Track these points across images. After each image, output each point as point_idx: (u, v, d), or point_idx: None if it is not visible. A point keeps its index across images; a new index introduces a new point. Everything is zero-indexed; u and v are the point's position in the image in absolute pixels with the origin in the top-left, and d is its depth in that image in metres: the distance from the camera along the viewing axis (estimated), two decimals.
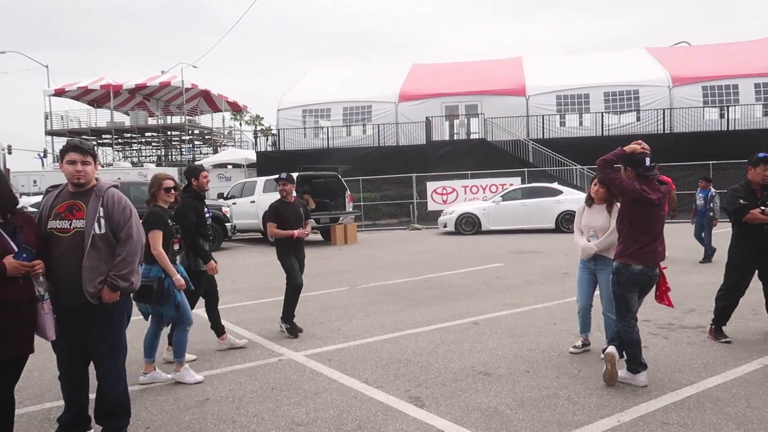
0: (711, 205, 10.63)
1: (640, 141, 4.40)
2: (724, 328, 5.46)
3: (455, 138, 26.58)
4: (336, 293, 8.61)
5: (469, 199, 20.95)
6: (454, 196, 21.55)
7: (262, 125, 51.89)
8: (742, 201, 5.37)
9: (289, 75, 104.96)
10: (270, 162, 25.50)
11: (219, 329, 5.75)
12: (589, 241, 5.00)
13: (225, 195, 18.74)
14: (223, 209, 16.07)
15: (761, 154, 5.36)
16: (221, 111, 41.74)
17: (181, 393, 4.48)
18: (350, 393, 4.36)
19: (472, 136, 26.05)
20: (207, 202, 5.87)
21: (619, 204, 4.72)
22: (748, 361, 4.73)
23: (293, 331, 6.10)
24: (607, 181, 4.48)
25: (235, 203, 17.64)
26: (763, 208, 5.26)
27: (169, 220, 4.77)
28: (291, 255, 6.27)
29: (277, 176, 6.34)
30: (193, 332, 5.11)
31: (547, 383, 4.42)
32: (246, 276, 10.53)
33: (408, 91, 27.71)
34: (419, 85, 28.18)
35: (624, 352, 4.41)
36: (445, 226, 18.20)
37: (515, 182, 20.72)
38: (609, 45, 76.18)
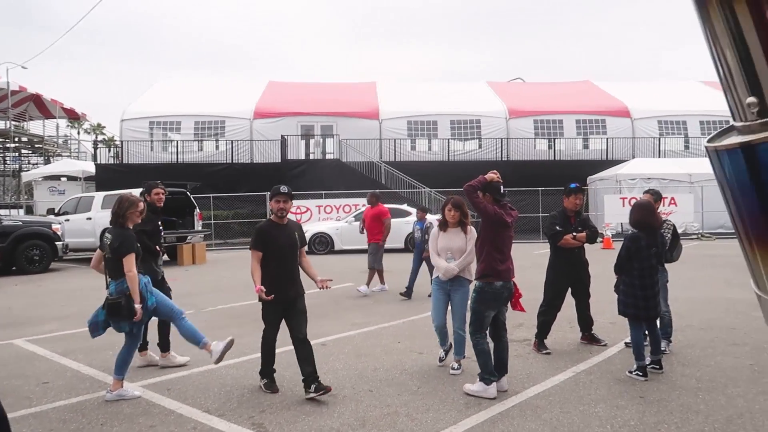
0: (426, 237, 9.14)
1: (495, 171, 4.87)
2: (545, 340, 6.07)
3: (311, 157, 26.73)
4: None
5: (323, 218, 21.11)
6: (308, 216, 21.58)
7: (104, 135, 48.01)
8: (558, 227, 6.06)
9: (135, 84, 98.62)
10: (111, 175, 23.69)
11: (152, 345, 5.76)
12: (448, 262, 5.31)
13: (57, 211, 16.97)
14: (53, 227, 14.58)
15: (573, 185, 6.11)
16: (55, 117, 37.90)
17: None
18: (189, 424, 4.17)
19: (328, 156, 26.41)
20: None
21: (472, 227, 5.25)
22: (563, 370, 5.30)
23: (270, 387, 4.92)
24: (472, 203, 4.84)
25: (68, 220, 16.07)
26: (574, 234, 5.99)
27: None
28: (278, 313, 4.80)
29: (272, 191, 4.82)
30: (9, 365, 4.58)
31: (388, 401, 4.58)
32: (78, 301, 9.63)
33: (263, 108, 27.40)
34: (275, 102, 27.99)
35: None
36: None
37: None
38: (455, 77, 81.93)
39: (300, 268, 4.96)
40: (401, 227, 17.58)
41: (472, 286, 5.03)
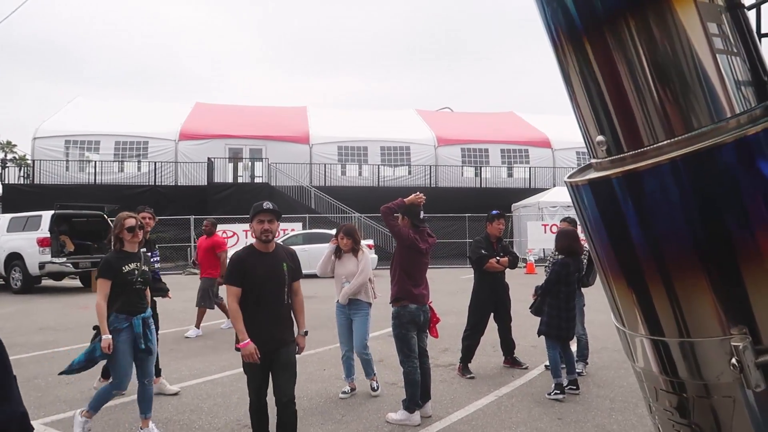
0: None
1: (418, 193, 4.88)
2: (470, 364, 6.13)
3: (239, 181, 26.20)
4: None
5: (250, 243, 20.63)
6: (235, 240, 21.05)
7: (15, 154, 45.22)
8: (483, 251, 6.19)
9: (50, 101, 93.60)
10: (21, 196, 22.27)
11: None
12: (343, 287, 5.36)
13: None
14: None
15: (495, 212, 6.29)
16: None
17: None
18: None
19: (256, 180, 25.97)
20: None
21: (363, 250, 5.40)
22: (486, 394, 5.37)
23: None
24: (388, 226, 4.85)
25: None
26: (497, 258, 6.14)
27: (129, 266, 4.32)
28: (264, 370, 3.73)
29: (253, 208, 3.78)
30: None
31: (311, 430, 4.46)
32: None
33: (190, 129, 26.70)
34: (202, 124, 27.35)
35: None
36: None
37: (297, 227, 21.07)
38: (385, 104, 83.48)
39: (290, 310, 3.90)
40: None
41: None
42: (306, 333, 3.96)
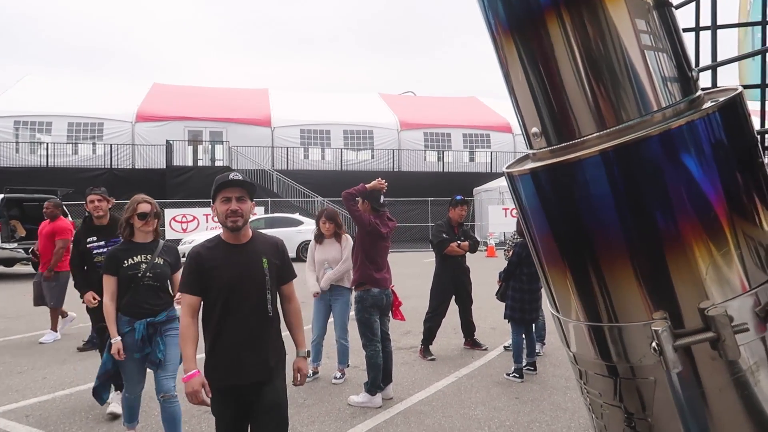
0: None
1: (380, 178, 4.90)
2: (431, 346, 6.23)
3: (199, 164, 25.70)
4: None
5: (211, 228, 20.35)
6: (195, 224, 20.72)
7: None
8: (445, 235, 6.27)
9: None
10: None
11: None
12: (325, 273, 5.29)
13: None
14: None
15: (458, 197, 6.36)
16: None
17: None
18: None
19: (217, 163, 25.52)
20: None
21: (346, 235, 5.30)
22: (446, 376, 5.47)
23: None
24: (349, 211, 4.82)
25: None
26: (458, 242, 6.22)
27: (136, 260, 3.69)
28: (238, 412, 2.70)
29: (216, 182, 2.73)
30: None
31: None
32: None
33: (147, 111, 25.98)
34: (160, 105, 26.64)
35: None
36: (183, 256, 17.31)
37: (258, 212, 20.82)
38: (348, 87, 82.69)
39: (278, 325, 2.81)
40: (293, 236, 17.41)
41: (352, 297, 5.05)
42: (308, 354, 3.01)
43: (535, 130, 1.17)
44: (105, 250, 4.63)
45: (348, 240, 5.40)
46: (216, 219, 2.77)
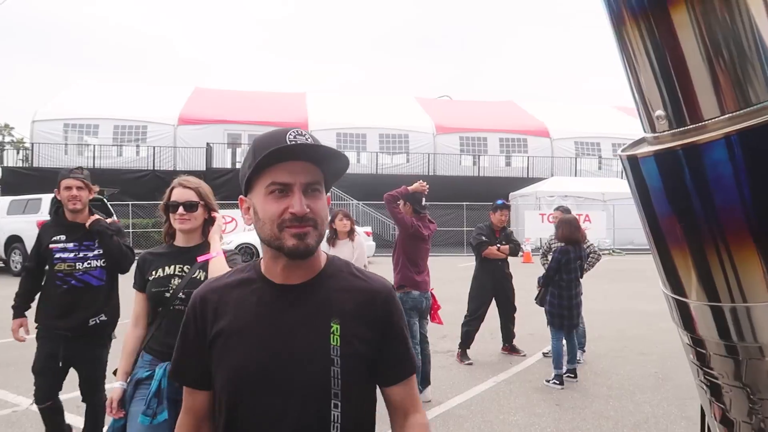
0: None
1: (422, 181, 4.94)
2: (468, 351, 6.23)
3: (237, 167, 26.16)
4: None
5: (249, 229, 20.70)
6: (233, 225, 21.09)
7: (12, 137, 44.98)
8: (484, 238, 6.27)
9: (49, 84, 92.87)
10: (20, 179, 22.18)
11: None
12: None
13: None
14: None
15: (500, 202, 6.38)
16: None
17: None
18: None
19: None
20: None
21: (359, 237, 5.32)
22: (484, 380, 5.46)
23: None
24: (391, 213, 4.88)
25: None
26: (498, 246, 6.21)
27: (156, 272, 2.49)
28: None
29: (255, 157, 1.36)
30: None
31: None
32: None
33: (189, 114, 26.61)
34: (201, 109, 27.26)
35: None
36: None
37: None
38: (383, 91, 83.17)
39: None
40: None
41: None
42: None
43: (659, 112, 1.19)
44: (72, 255, 3.41)
45: (361, 241, 5.35)
46: (252, 226, 1.33)
